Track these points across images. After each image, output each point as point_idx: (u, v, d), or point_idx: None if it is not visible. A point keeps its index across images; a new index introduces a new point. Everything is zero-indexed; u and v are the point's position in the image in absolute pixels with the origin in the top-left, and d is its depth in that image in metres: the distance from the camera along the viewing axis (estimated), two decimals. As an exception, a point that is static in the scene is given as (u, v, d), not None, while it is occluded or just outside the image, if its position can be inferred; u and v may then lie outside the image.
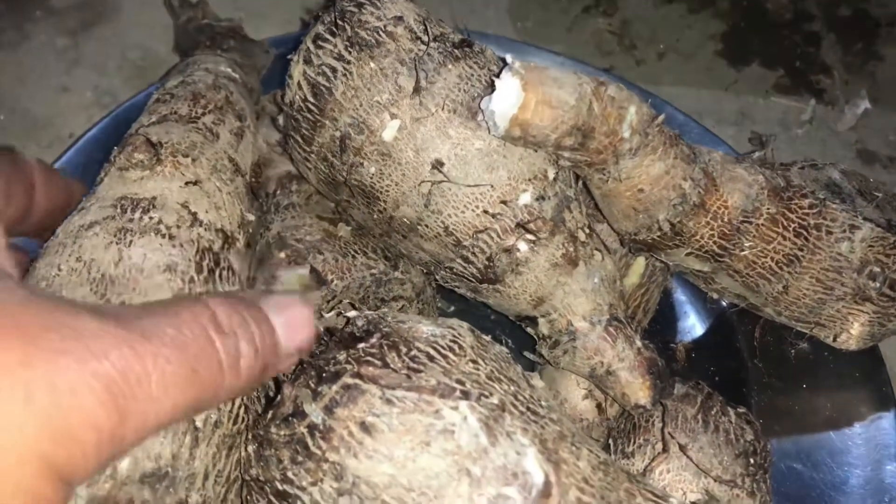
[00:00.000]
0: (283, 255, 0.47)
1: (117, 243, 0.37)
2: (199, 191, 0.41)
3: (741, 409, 0.48)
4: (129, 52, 0.74)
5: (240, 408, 0.37)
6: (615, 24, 0.87)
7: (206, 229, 0.39)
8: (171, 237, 0.38)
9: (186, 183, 0.41)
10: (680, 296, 0.62)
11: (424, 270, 0.50)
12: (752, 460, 0.46)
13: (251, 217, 0.44)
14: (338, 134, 0.46)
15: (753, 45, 0.89)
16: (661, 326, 0.60)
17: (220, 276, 0.38)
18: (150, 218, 0.39)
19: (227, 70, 0.51)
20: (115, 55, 0.73)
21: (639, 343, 0.47)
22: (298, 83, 0.47)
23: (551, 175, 0.46)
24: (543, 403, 0.38)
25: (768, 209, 0.48)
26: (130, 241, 0.38)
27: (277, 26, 0.71)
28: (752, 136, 0.81)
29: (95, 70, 0.72)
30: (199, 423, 0.35)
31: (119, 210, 0.39)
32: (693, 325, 0.62)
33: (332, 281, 0.46)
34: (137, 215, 0.39)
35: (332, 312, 0.42)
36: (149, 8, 0.77)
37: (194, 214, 0.40)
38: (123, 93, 0.70)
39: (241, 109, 0.48)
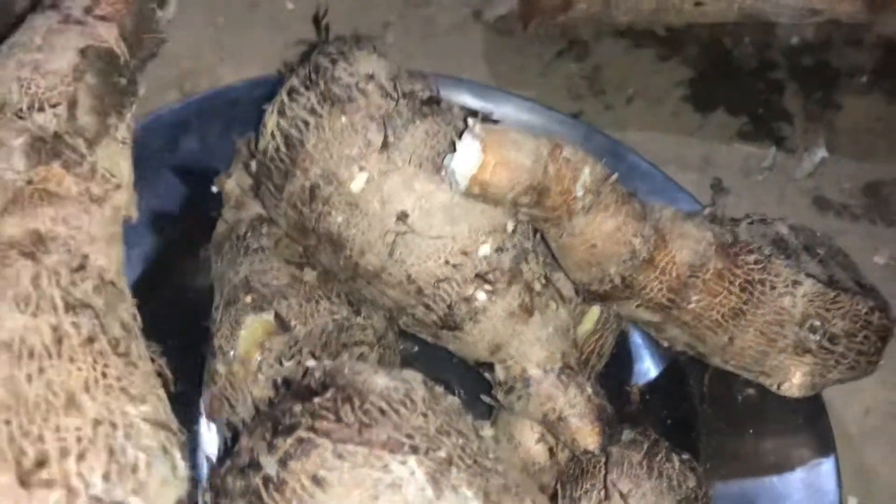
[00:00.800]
0: (248, 298, 0.48)
1: None
2: None
3: (685, 456, 0.51)
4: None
5: None
6: (587, 68, 0.90)
7: None
8: None
9: None
10: (636, 339, 0.64)
11: (387, 315, 0.52)
12: (693, 506, 0.48)
13: None
14: (308, 184, 0.48)
15: (719, 92, 0.92)
16: (616, 369, 0.62)
17: None
18: None
19: None
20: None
21: (589, 390, 0.49)
22: (272, 133, 0.49)
23: (510, 228, 0.49)
24: (490, 455, 0.40)
25: (715, 264, 0.51)
26: None
27: (259, 68, 0.73)
28: (713, 182, 0.84)
29: None
30: None
31: None
32: (648, 368, 0.64)
33: (295, 326, 0.48)
34: None
35: (293, 361, 0.44)
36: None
37: None
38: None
39: None
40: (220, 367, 0.47)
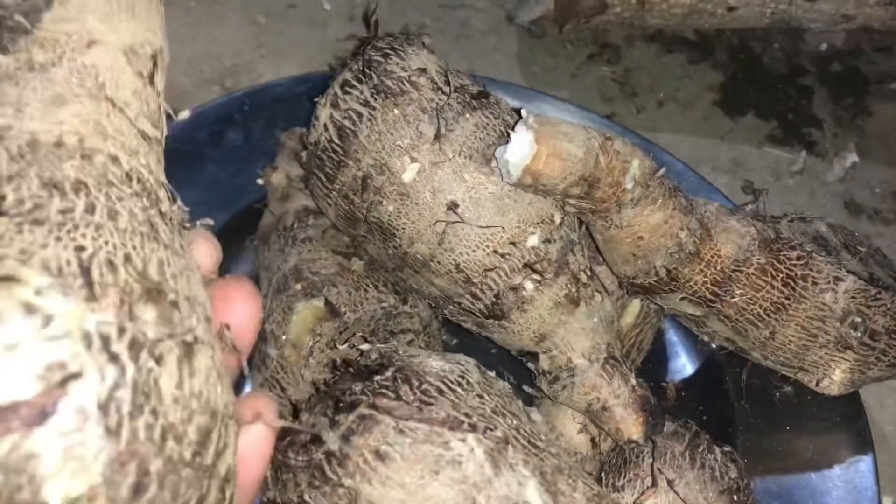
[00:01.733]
0: (299, 286, 0.49)
1: None
2: None
3: (727, 448, 0.51)
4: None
5: None
6: (618, 72, 0.91)
7: None
8: None
9: None
10: (672, 336, 0.65)
11: (432, 305, 0.53)
12: (735, 497, 0.49)
13: None
14: (360, 174, 0.49)
15: (749, 96, 0.93)
16: (653, 365, 0.63)
17: None
18: None
19: None
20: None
21: (633, 381, 0.50)
22: (325, 125, 0.50)
23: (558, 220, 0.49)
24: (543, 437, 0.41)
25: (758, 259, 0.51)
26: None
27: (297, 65, 0.74)
28: (744, 184, 0.85)
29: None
30: None
31: None
32: (684, 365, 0.64)
33: (345, 313, 0.49)
34: None
35: (346, 344, 0.45)
36: (175, 41, 0.80)
37: None
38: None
39: None
40: (272, 352, 0.48)
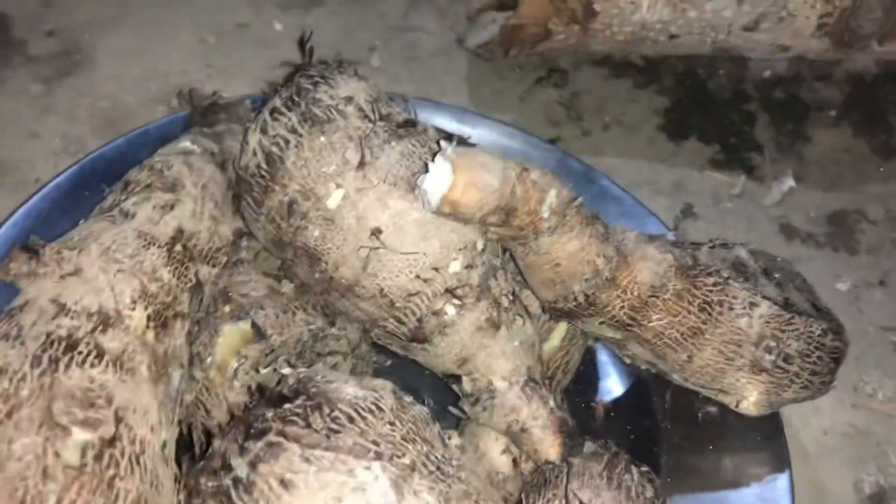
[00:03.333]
0: (227, 308, 0.50)
1: None
2: (77, 279, 0.42)
3: (644, 468, 0.52)
4: (100, 101, 0.77)
5: None
6: (565, 95, 0.93)
7: (72, 317, 0.40)
8: (17, 337, 0.39)
9: (62, 276, 0.42)
10: (602, 357, 0.67)
11: (361, 328, 0.54)
12: (650, 517, 0.50)
13: (156, 287, 0.44)
14: (286, 199, 0.50)
15: (693, 121, 0.95)
16: (583, 386, 0.64)
17: (73, 360, 0.38)
18: (8, 324, 0.40)
19: (184, 144, 0.54)
20: (86, 104, 0.76)
21: (552, 403, 0.51)
22: (254, 150, 0.51)
23: (480, 246, 0.51)
24: (454, 463, 0.42)
25: (675, 285, 0.53)
26: None
27: (245, 85, 0.75)
28: (683, 208, 0.87)
29: (65, 118, 0.75)
30: None
31: None
32: (613, 385, 0.66)
33: (271, 336, 0.50)
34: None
35: (269, 368, 0.46)
36: (123, 59, 0.81)
37: (62, 305, 0.40)
38: (91, 141, 0.73)
39: (177, 181, 0.50)
40: (197, 373, 0.49)
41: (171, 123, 0.69)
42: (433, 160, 0.46)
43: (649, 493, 0.51)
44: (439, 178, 0.46)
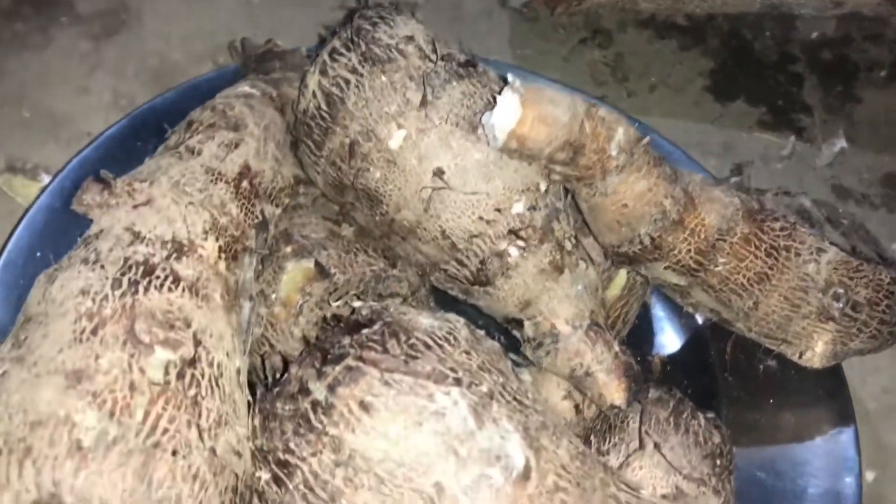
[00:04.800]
0: (288, 248, 0.50)
1: (48, 283, 0.39)
2: (150, 209, 0.42)
3: (710, 415, 0.52)
4: (148, 59, 0.78)
5: None
6: (609, 56, 0.91)
7: (147, 244, 0.40)
8: (95, 261, 0.39)
9: (135, 206, 0.42)
10: (658, 311, 0.66)
11: (419, 272, 0.53)
12: (718, 462, 0.49)
13: (226, 220, 0.44)
14: (347, 140, 0.49)
15: (739, 82, 0.93)
16: (638, 340, 0.63)
17: (151, 284, 0.38)
18: (86, 250, 0.40)
19: (243, 88, 0.54)
20: (135, 61, 0.77)
21: (616, 348, 0.50)
22: (313, 92, 0.51)
23: (543, 187, 0.50)
24: (529, 395, 0.41)
25: (742, 229, 0.52)
26: (55, 278, 0.39)
27: (290, 44, 0.75)
28: (733, 167, 0.85)
29: (115, 74, 0.76)
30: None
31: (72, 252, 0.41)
32: (669, 340, 0.65)
33: (334, 274, 0.49)
34: (77, 252, 0.41)
35: (340, 301, 0.45)
36: (169, 18, 0.81)
37: (137, 233, 0.41)
38: (140, 96, 0.73)
39: (240, 121, 0.50)
40: (262, 310, 0.48)
41: (220, 77, 0.69)
42: (500, 93, 0.45)
43: (717, 439, 0.50)
44: (506, 113, 0.45)
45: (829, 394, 0.60)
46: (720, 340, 0.62)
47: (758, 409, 0.60)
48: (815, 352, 0.56)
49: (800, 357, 0.56)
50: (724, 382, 0.62)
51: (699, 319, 0.64)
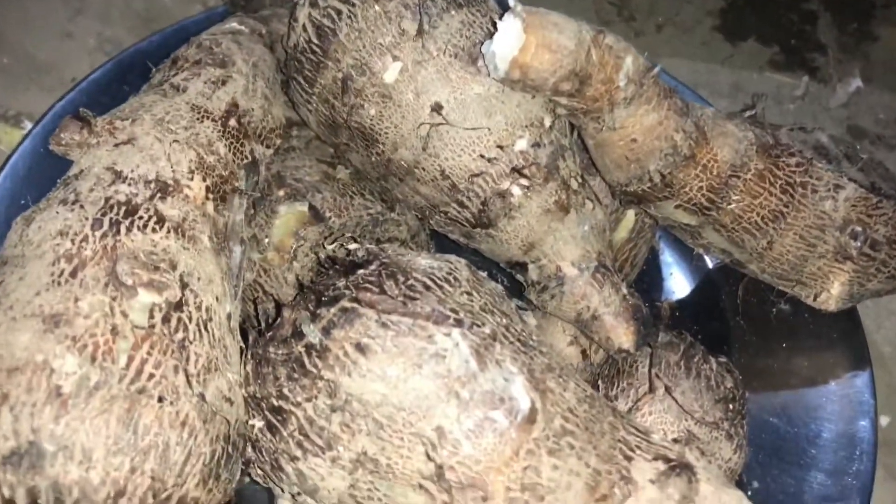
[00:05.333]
0: (281, 192, 0.48)
1: (25, 225, 0.37)
2: (132, 148, 0.40)
3: (722, 359, 0.50)
4: (134, 2, 0.75)
5: None
6: (615, -6, 0.88)
7: (129, 184, 0.38)
8: (75, 202, 0.37)
9: (116, 145, 0.40)
10: (667, 257, 0.64)
11: (419, 215, 0.51)
12: (731, 406, 0.48)
13: (213, 159, 0.42)
14: (340, 75, 0.47)
15: (750, 21, 0.90)
16: (646, 285, 0.61)
17: (134, 224, 0.36)
18: (65, 190, 0.38)
19: (232, 24, 0.51)
20: (120, 5, 0.74)
21: (624, 290, 0.48)
22: (303, 25, 0.48)
23: (548, 123, 0.47)
24: (534, 337, 0.39)
25: (756, 165, 0.49)
26: (33, 220, 0.37)
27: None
28: (744, 107, 0.82)
29: (99, 18, 0.73)
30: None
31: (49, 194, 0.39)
32: (678, 285, 0.63)
33: (329, 218, 0.47)
34: (55, 193, 0.39)
35: (335, 244, 0.43)
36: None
37: (118, 172, 0.39)
38: (127, 41, 0.70)
39: (227, 57, 0.47)
40: (255, 255, 0.46)
41: (208, 20, 0.66)
42: (502, 19, 0.42)
43: (729, 384, 0.49)
44: (508, 39, 0.42)
45: (843, 337, 0.58)
46: (731, 284, 0.60)
47: (770, 354, 0.59)
48: (831, 293, 0.53)
49: (814, 299, 0.54)
50: (736, 327, 0.60)
51: (709, 263, 0.62)
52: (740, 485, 0.51)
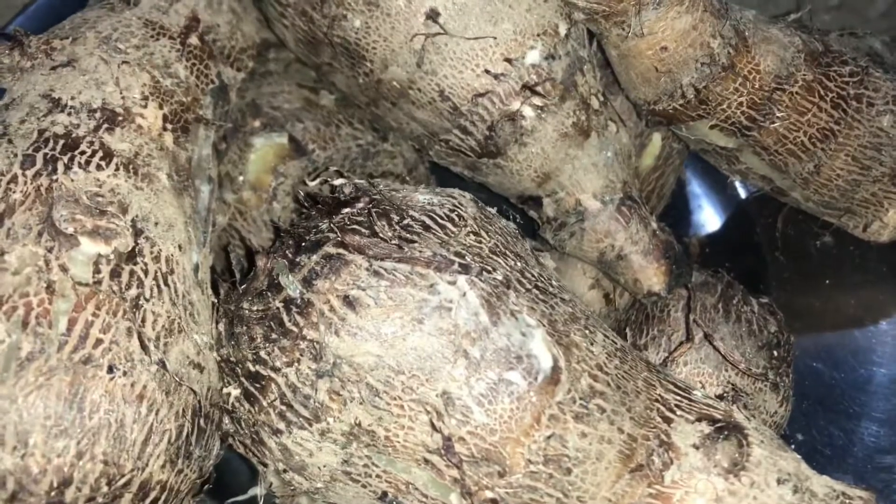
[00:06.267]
0: (257, 122, 0.41)
1: None
2: (73, 71, 0.35)
3: (764, 300, 0.45)
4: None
5: None
6: None
7: (69, 113, 0.33)
8: (2, 136, 0.32)
9: (54, 68, 0.35)
10: (695, 188, 0.58)
11: (416, 145, 0.45)
12: (775, 353, 0.42)
13: (171, 83, 0.36)
14: (318, -19, 0.40)
15: (779, -76, 0.81)
16: (673, 220, 0.55)
17: (74, 160, 0.31)
18: None
19: None
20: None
21: (654, 225, 0.43)
22: (273, -76, 0.41)
23: (563, 31, 0.41)
24: (554, 282, 0.34)
25: (804, 76, 0.43)
26: None
27: None
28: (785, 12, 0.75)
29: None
30: None
31: None
32: (708, 218, 0.58)
33: (313, 151, 0.41)
34: None
35: (317, 181, 0.37)
36: None
37: (56, 100, 0.33)
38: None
39: None
40: (229, 196, 0.41)
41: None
42: None
43: (773, 327, 0.43)
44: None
45: (893, 270, 0.52)
46: (767, 215, 0.55)
47: (812, 292, 0.54)
48: (885, 222, 0.48)
49: (864, 230, 0.49)
50: (773, 263, 0.55)
51: (742, 193, 0.56)
52: (783, 438, 0.46)
